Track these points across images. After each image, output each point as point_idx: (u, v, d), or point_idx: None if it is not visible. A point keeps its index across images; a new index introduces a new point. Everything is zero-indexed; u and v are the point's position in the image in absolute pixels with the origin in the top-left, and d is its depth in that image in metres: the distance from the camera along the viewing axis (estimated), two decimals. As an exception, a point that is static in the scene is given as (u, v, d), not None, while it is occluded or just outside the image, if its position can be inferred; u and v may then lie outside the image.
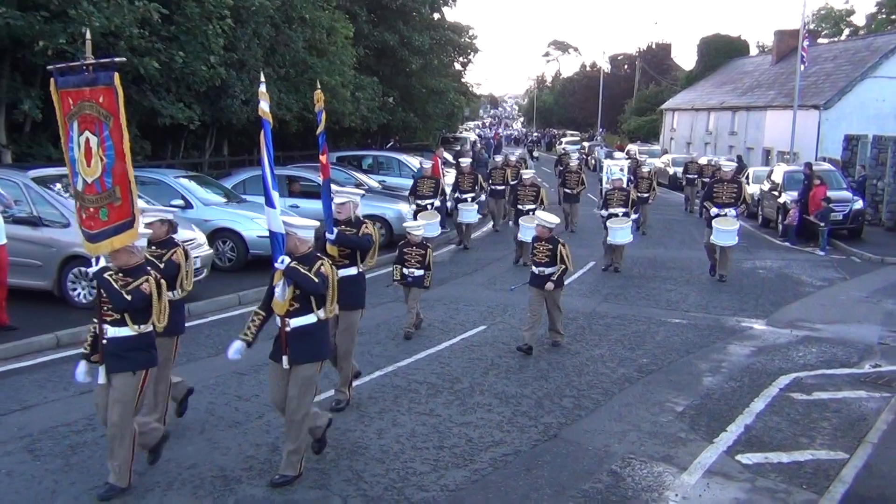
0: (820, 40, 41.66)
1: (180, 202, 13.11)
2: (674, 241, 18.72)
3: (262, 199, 15.88)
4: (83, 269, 10.08)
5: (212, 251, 11.67)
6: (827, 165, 22.69)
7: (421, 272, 9.62)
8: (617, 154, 33.66)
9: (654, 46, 65.96)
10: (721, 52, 49.69)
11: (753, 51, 51.90)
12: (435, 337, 9.77)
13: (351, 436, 6.54)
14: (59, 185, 10.82)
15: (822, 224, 17.59)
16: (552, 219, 9.28)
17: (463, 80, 39.50)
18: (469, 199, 16.94)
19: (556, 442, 6.55)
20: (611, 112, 62.90)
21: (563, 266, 9.07)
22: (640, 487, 5.76)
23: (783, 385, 8.22)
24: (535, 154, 58.18)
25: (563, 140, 60.88)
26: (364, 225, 7.25)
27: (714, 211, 13.63)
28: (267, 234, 13.40)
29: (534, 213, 13.37)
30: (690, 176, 25.62)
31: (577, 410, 7.33)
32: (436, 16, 32.03)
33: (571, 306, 11.67)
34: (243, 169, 18.56)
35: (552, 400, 7.57)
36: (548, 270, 9.07)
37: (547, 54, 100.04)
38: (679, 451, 6.42)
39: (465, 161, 18.36)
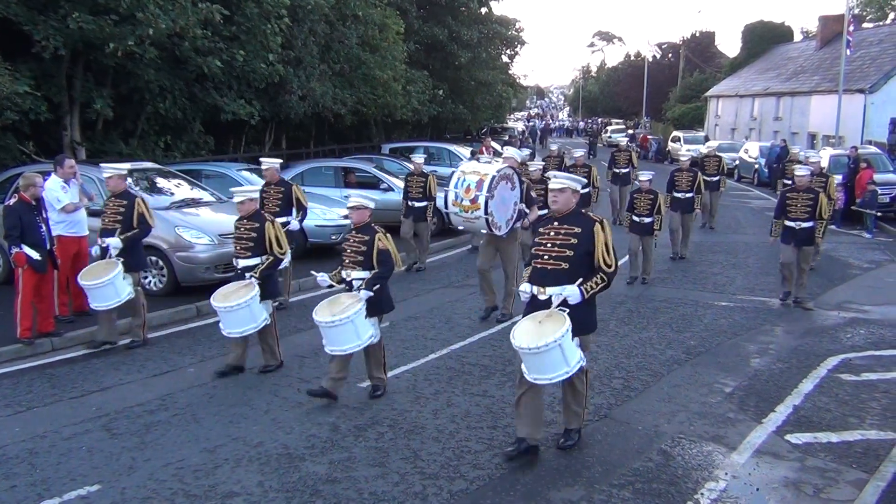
0: (865, 25, 40.72)
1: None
2: (719, 225, 18.48)
3: (319, 190, 16.30)
4: (153, 258, 10.56)
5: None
6: (873, 149, 22.37)
7: None
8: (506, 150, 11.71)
9: (697, 35, 64.85)
10: (765, 39, 48.82)
11: (797, 37, 50.91)
12: (487, 321, 9.90)
13: (408, 416, 6.69)
14: (129, 180, 11.33)
15: (871, 210, 17.50)
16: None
17: (510, 71, 39.57)
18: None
19: (606, 422, 6.63)
20: (655, 100, 61.98)
21: None
22: (690, 466, 5.79)
23: (831, 366, 8.19)
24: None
25: (609, 129, 60.02)
26: None
27: (526, 289, 5.98)
28: (325, 223, 13.79)
29: None
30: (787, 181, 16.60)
31: (627, 391, 7.39)
32: (483, 10, 32.26)
33: (620, 290, 11.72)
34: (301, 162, 19.10)
35: (602, 381, 7.63)
36: None
37: (592, 45, 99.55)
38: (728, 431, 6.46)
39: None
